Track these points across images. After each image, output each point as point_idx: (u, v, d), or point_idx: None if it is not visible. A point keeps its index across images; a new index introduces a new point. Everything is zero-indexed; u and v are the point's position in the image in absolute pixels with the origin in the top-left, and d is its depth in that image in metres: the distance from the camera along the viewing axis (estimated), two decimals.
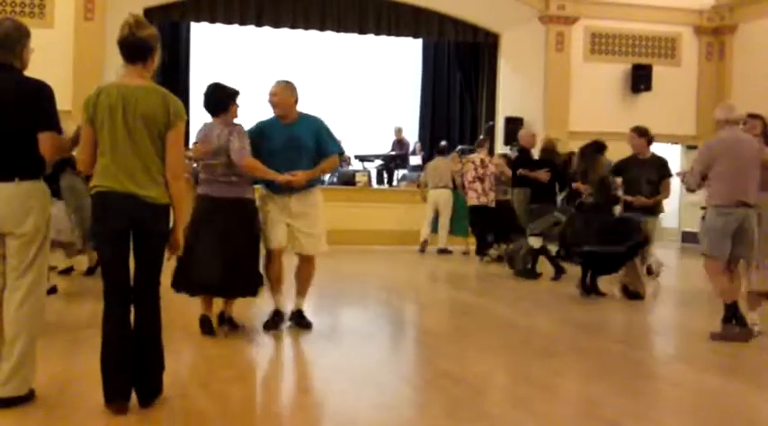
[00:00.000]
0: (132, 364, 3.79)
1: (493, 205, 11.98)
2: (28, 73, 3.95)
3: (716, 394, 4.68)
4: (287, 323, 6.12)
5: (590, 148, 8.99)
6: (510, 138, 16.14)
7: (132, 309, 3.85)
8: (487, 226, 12.11)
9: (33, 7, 13.36)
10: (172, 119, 3.83)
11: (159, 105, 3.81)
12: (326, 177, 16.95)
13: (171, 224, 3.96)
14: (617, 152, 9.40)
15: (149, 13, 14.15)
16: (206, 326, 5.67)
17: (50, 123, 3.84)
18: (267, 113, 6.08)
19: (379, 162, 17.37)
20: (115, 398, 3.76)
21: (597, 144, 9.14)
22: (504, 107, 16.82)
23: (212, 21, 16.18)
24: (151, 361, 3.89)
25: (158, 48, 3.93)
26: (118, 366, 3.76)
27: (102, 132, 3.78)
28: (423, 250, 13.16)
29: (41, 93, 3.84)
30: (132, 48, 3.84)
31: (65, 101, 4.71)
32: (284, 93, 5.88)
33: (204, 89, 5.94)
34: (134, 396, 3.83)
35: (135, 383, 3.82)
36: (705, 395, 4.65)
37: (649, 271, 9.35)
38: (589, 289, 8.36)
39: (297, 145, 5.85)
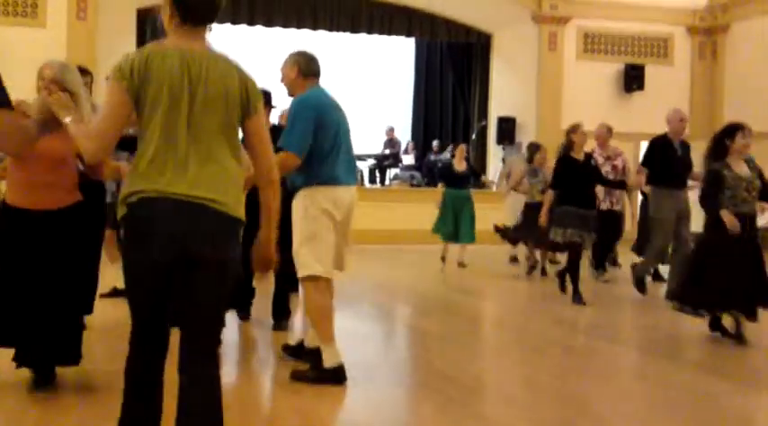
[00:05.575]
0: None
1: None
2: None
3: (707, 394, 4.70)
4: None
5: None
6: (502, 138, 16.16)
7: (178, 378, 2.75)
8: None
9: (26, 7, 13.32)
10: (252, 103, 2.78)
11: (235, 81, 2.76)
12: None
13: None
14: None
15: (142, 12, 14.13)
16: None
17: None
18: None
19: (371, 161, 17.37)
20: None
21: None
22: (497, 107, 16.84)
23: None
24: None
25: None
26: None
27: (153, 112, 2.64)
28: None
29: None
30: (206, 5, 2.74)
31: None
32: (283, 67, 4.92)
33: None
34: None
35: None
36: (696, 396, 4.66)
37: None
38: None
39: None
